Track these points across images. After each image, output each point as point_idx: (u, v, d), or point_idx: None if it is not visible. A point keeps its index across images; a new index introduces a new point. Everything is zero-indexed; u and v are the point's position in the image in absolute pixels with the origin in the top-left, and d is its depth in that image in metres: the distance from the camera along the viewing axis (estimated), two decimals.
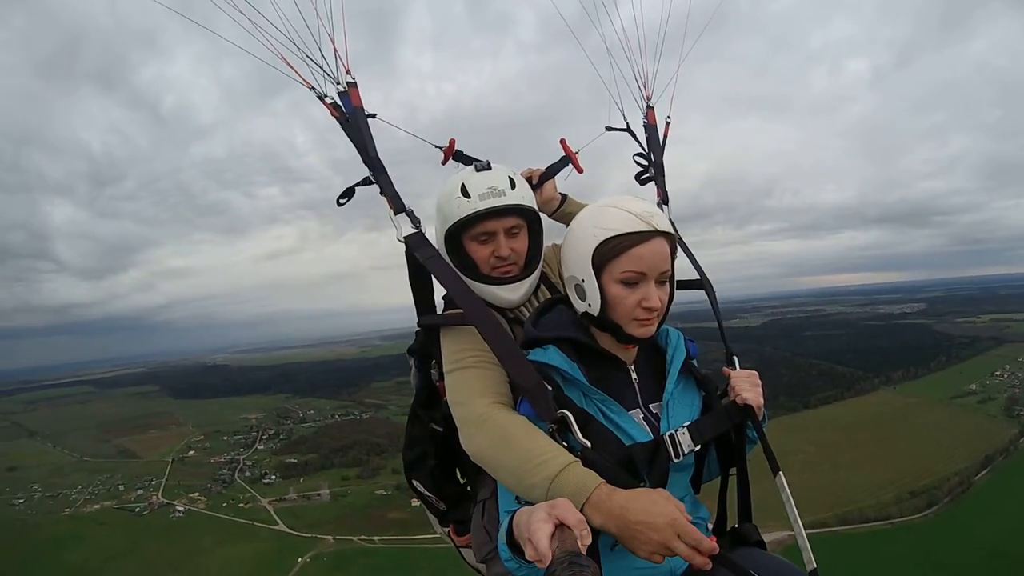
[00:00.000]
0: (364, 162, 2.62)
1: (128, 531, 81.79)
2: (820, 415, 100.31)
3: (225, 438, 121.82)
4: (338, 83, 2.66)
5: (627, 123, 3.53)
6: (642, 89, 3.52)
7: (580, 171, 3.31)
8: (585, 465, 1.96)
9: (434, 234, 2.69)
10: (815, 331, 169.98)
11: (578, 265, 2.23)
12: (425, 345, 2.80)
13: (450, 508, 3.00)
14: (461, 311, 2.40)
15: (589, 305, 2.23)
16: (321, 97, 2.66)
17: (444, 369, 2.49)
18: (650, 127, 3.53)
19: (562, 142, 3.31)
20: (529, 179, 3.09)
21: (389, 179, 2.62)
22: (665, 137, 3.54)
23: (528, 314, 2.61)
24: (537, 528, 1.45)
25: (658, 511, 1.79)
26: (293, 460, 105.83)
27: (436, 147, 3.02)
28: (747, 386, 2.38)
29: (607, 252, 2.14)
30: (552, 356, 2.20)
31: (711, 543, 1.76)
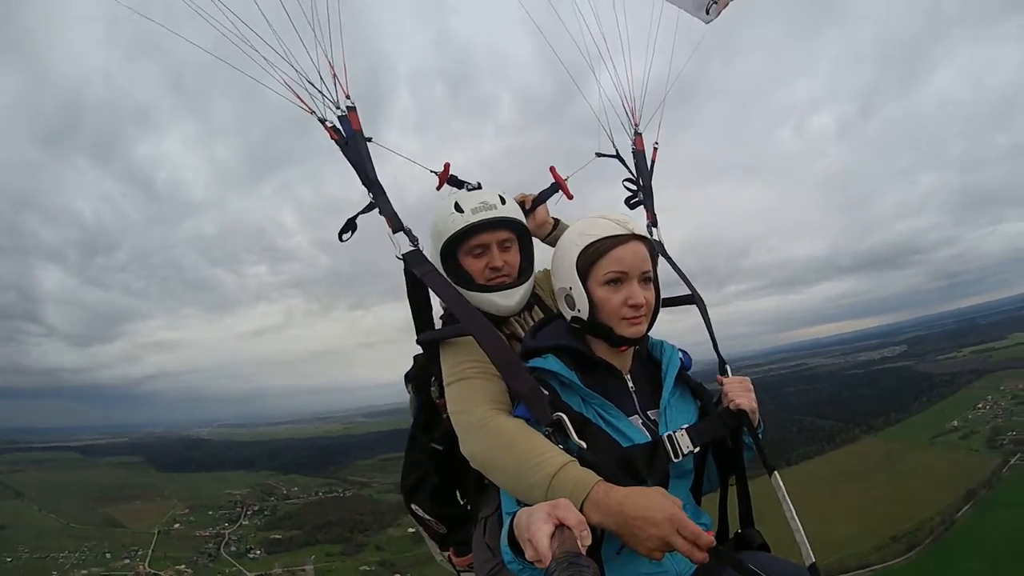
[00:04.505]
0: (363, 183, 2.70)
1: None
2: (801, 471, 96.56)
3: (210, 512, 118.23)
4: (338, 108, 2.74)
5: (616, 150, 3.59)
6: (630, 116, 3.59)
7: (570, 197, 3.39)
8: (581, 463, 2.03)
9: (430, 255, 2.76)
10: (796, 386, 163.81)
11: (565, 274, 2.38)
12: (423, 368, 2.89)
13: (450, 531, 3.03)
14: (458, 324, 2.48)
15: (579, 311, 2.35)
16: (322, 121, 2.74)
17: (444, 382, 2.53)
18: (638, 153, 3.61)
19: (551, 169, 3.38)
20: (522, 204, 3.20)
21: (388, 199, 2.70)
22: (653, 162, 3.61)
23: (525, 331, 2.72)
24: (537, 528, 1.46)
25: (657, 507, 1.83)
26: (278, 536, 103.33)
27: (431, 172, 3.10)
28: (740, 391, 2.47)
29: (589, 256, 2.30)
30: (551, 363, 2.29)
31: (709, 537, 1.81)
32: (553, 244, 3.00)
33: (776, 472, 2.53)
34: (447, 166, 3.11)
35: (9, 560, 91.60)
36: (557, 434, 2.12)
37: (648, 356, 2.62)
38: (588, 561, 1.28)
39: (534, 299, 2.96)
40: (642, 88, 3.57)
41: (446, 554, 3.20)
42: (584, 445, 2.07)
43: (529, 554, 1.47)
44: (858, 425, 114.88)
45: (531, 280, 2.85)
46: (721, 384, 2.57)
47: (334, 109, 2.77)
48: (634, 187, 3.58)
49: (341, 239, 2.81)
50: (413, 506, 3.03)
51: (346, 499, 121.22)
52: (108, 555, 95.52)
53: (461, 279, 2.72)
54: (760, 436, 2.56)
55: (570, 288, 2.37)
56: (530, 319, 2.90)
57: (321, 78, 2.71)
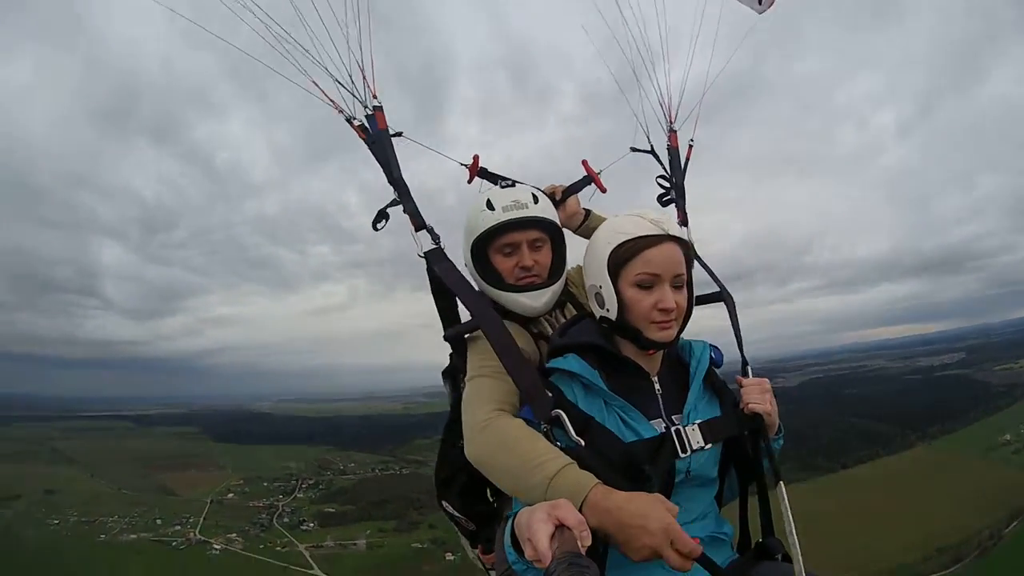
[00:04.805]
0: (388, 182, 2.76)
1: (163, 563, 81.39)
2: (855, 475, 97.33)
3: (265, 484, 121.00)
4: (366, 107, 2.80)
5: (651, 145, 3.58)
6: (666, 113, 3.58)
7: (603, 191, 3.38)
8: (580, 465, 1.98)
9: (461, 252, 2.81)
10: (855, 388, 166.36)
11: (596, 272, 2.31)
12: (457, 365, 2.82)
13: (480, 528, 2.96)
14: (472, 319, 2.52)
15: (608, 310, 2.28)
16: (349, 120, 2.81)
17: (466, 380, 2.54)
18: (672, 150, 3.58)
19: (584, 163, 3.38)
20: (552, 195, 3.17)
21: (411, 198, 2.75)
22: (687, 160, 3.58)
23: (554, 330, 2.67)
24: (537, 528, 1.46)
25: (655, 516, 1.77)
26: (331, 509, 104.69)
27: (461, 164, 3.13)
28: (756, 393, 2.40)
29: (621, 256, 2.22)
30: (571, 363, 2.23)
31: (699, 549, 1.75)
32: (584, 235, 3.18)
33: (782, 483, 2.49)
34: (476, 159, 3.15)
35: (56, 523, 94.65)
36: (555, 431, 2.14)
37: (677, 358, 2.53)
38: (588, 561, 1.29)
39: (567, 296, 2.94)
40: (681, 83, 3.61)
41: (476, 551, 3.16)
42: (582, 443, 2.09)
43: (528, 553, 1.49)
44: (914, 431, 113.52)
45: (562, 280, 2.84)
46: (740, 385, 2.52)
47: (363, 108, 2.87)
48: (667, 184, 3.57)
49: (375, 228, 2.88)
50: (444, 503, 3.01)
51: (402, 477, 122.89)
52: (159, 521, 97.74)
53: (491, 277, 2.75)
54: (780, 441, 2.56)
55: (600, 287, 2.33)
56: (562, 317, 2.90)
57: (351, 77, 2.82)
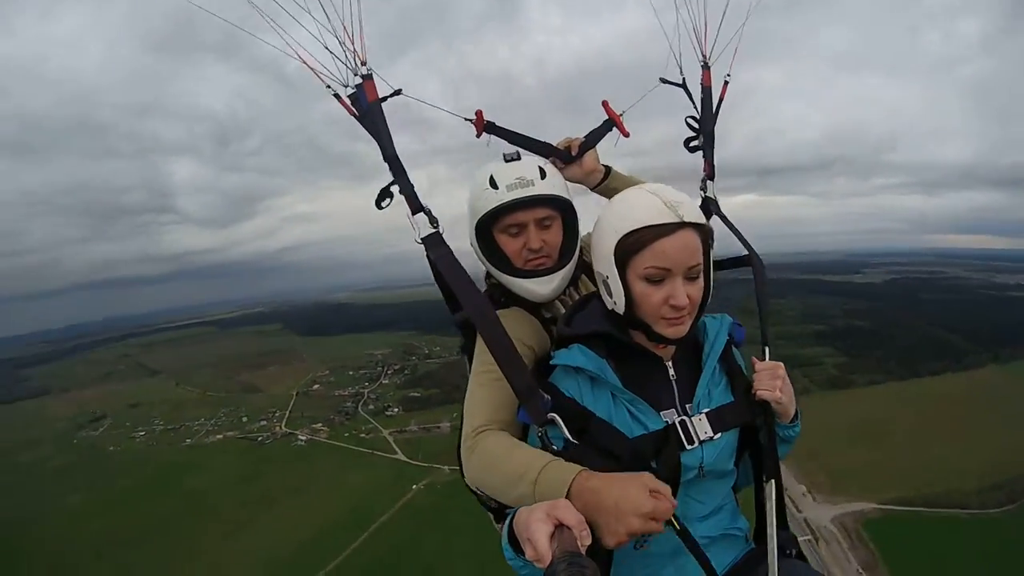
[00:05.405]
0: (384, 159, 2.52)
1: (249, 459, 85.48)
2: (925, 386, 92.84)
3: (350, 373, 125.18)
4: (356, 74, 2.54)
5: (683, 79, 3.22)
6: (700, 44, 3.19)
7: (626, 135, 3.06)
8: (570, 460, 1.90)
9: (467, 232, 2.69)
10: (932, 294, 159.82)
11: (603, 261, 2.12)
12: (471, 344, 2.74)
13: (502, 505, 2.68)
14: (466, 312, 2.40)
15: (615, 303, 2.12)
16: (337, 96, 2.55)
17: (470, 376, 2.47)
18: (704, 89, 3.22)
19: (604, 104, 3.08)
20: (568, 149, 2.97)
21: (407, 178, 2.52)
22: (721, 99, 3.24)
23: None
24: (536, 528, 1.45)
25: (632, 500, 1.69)
26: (416, 394, 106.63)
27: (466, 120, 2.89)
28: (767, 379, 2.25)
29: (629, 247, 2.02)
30: (575, 356, 2.11)
31: (671, 509, 1.72)
32: (604, 195, 2.96)
33: (772, 481, 2.36)
34: (479, 114, 2.91)
35: (142, 433, 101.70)
36: (551, 433, 2.07)
37: (694, 338, 2.36)
38: (588, 561, 1.29)
39: (580, 269, 2.76)
40: (721, 10, 3.15)
41: (500, 526, 2.87)
42: (575, 442, 2.02)
43: (528, 553, 1.48)
44: (987, 350, 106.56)
45: (574, 260, 2.70)
46: (754, 369, 2.38)
47: (353, 76, 2.62)
48: (697, 127, 3.23)
49: (379, 207, 2.65)
50: (467, 479, 2.81)
51: None
52: (245, 419, 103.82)
53: (498, 260, 2.64)
54: (797, 428, 2.43)
55: (607, 277, 2.15)
56: (575, 295, 2.78)
57: (339, 41, 2.57)
